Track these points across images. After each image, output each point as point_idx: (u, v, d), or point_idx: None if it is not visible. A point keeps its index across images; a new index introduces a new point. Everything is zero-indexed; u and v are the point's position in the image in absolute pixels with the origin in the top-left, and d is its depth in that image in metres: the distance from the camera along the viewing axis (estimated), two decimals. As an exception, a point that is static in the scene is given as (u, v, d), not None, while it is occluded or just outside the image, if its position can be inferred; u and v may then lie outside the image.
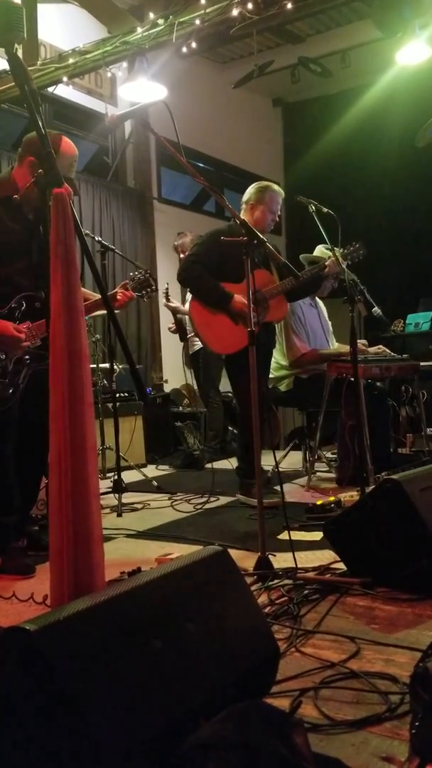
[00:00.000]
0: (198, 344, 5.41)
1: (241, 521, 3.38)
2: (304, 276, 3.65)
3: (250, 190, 3.82)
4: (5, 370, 2.59)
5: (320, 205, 3.47)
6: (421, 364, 4.46)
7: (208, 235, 3.83)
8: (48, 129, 2.60)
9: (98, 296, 2.89)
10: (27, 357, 2.63)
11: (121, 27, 4.78)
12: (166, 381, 7.01)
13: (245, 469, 3.78)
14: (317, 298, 4.67)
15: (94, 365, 4.90)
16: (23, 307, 2.64)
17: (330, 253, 3.76)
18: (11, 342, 2.55)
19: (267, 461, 3.86)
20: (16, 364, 2.60)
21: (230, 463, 4.33)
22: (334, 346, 4.62)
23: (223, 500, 3.88)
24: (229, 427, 5.83)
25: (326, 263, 3.76)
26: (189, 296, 5.54)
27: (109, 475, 4.60)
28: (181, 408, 6.11)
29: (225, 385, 6.20)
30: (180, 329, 5.52)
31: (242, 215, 3.82)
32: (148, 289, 3.17)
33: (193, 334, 5.30)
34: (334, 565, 2.35)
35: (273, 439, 5.15)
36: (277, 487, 2.57)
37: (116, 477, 3.89)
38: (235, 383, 3.87)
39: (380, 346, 4.44)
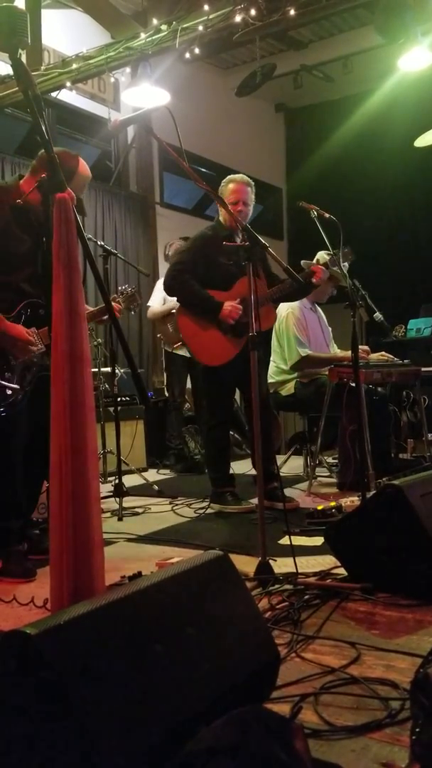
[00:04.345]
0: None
1: (242, 526, 3.38)
2: (291, 285, 3.55)
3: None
4: (13, 374, 2.61)
5: (322, 210, 3.47)
6: (423, 369, 4.46)
7: (192, 241, 3.79)
8: (64, 148, 2.71)
9: (91, 309, 2.97)
10: (34, 362, 2.65)
11: (124, 32, 4.81)
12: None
13: (218, 479, 3.81)
14: (316, 304, 4.68)
15: (96, 369, 4.90)
16: (28, 314, 2.67)
17: (340, 265, 3.69)
18: (23, 346, 2.59)
19: (241, 468, 3.90)
20: (23, 368, 2.63)
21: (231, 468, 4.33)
22: (335, 351, 4.63)
23: (224, 505, 3.88)
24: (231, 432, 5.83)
25: (314, 269, 3.70)
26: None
27: (110, 479, 4.60)
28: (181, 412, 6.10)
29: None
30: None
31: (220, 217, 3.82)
32: (134, 305, 3.36)
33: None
34: (334, 571, 2.35)
35: (273, 443, 5.15)
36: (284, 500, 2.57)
37: (117, 481, 3.89)
38: (208, 391, 3.87)
39: (383, 352, 4.44)
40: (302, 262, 4.30)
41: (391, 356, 4.43)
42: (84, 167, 2.70)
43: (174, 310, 5.44)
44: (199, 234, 3.80)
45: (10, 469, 2.65)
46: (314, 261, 4.31)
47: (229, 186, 3.69)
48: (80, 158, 2.70)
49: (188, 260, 3.69)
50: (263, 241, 2.49)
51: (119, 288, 3.37)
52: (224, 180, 3.75)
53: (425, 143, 5.81)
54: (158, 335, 5.93)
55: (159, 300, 5.58)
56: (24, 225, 2.66)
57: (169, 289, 3.76)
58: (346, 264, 3.72)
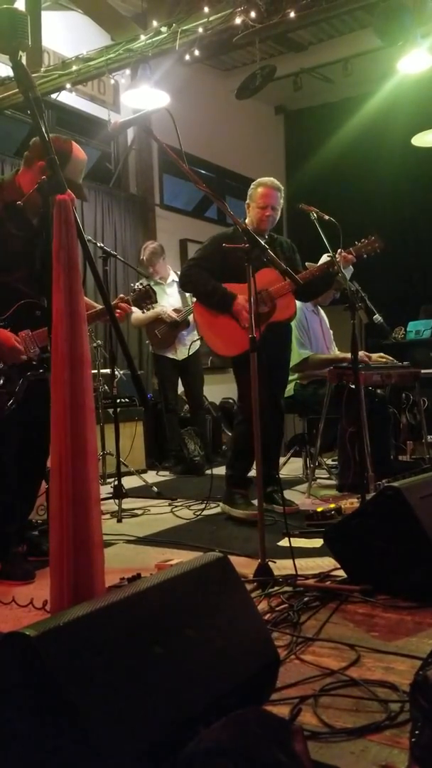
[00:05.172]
0: (187, 349, 5.42)
1: (242, 528, 3.38)
2: (313, 272, 3.56)
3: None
4: (4, 379, 2.56)
5: (322, 212, 3.46)
6: (422, 371, 4.46)
7: (210, 239, 3.77)
8: (55, 133, 2.62)
9: (99, 306, 2.87)
10: (25, 366, 2.58)
11: (124, 34, 4.81)
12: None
13: (233, 477, 3.71)
14: (319, 306, 4.68)
15: (96, 371, 4.90)
16: (24, 314, 2.61)
17: (340, 268, 3.60)
18: (11, 353, 2.52)
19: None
20: (14, 373, 2.56)
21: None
22: (335, 353, 4.63)
23: (224, 506, 3.87)
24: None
25: (337, 258, 3.58)
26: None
27: (109, 480, 4.60)
28: (182, 414, 6.11)
29: (211, 393, 6.23)
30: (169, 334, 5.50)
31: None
32: (148, 301, 3.18)
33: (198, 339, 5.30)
34: (334, 573, 2.35)
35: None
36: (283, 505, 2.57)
37: (116, 482, 3.89)
38: (242, 386, 3.75)
39: (381, 353, 4.44)
40: (306, 264, 4.30)
41: (390, 357, 4.42)
42: (78, 150, 2.62)
43: (162, 315, 5.47)
44: (218, 234, 3.80)
45: (2, 474, 2.62)
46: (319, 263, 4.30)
47: (258, 189, 3.66)
48: (73, 142, 2.62)
49: (202, 256, 3.69)
50: (263, 244, 2.49)
51: (132, 285, 3.25)
52: (254, 182, 3.72)
53: (423, 143, 5.82)
54: (147, 341, 5.92)
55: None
56: (18, 223, 2.61)
57: (182, 284, 3.81)
58: (350, 269, 3.71)
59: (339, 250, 3.55)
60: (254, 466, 2.92)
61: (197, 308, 3.73)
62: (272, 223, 3.67)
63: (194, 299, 3.80)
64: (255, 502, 3.62)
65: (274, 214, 3.65)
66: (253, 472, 4.06)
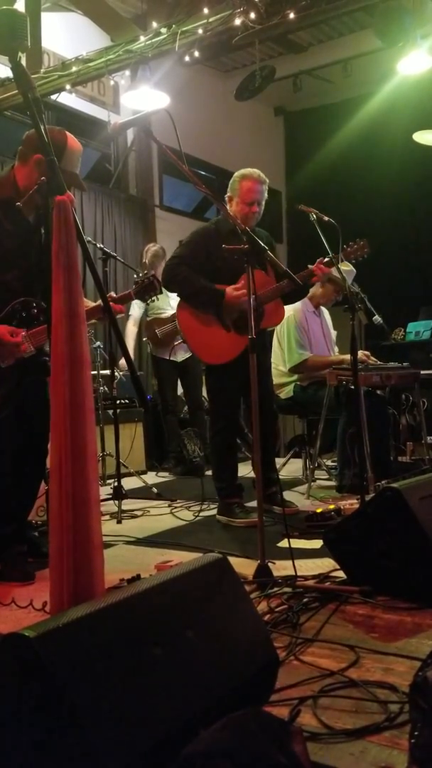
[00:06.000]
0: (186, 351, 5.41)
1: (241, 529, 3.38)
2: (305, 275, 3.44)
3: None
4: (2, 380, 2.54)
5: (321, 213, 3.46)
6: (422, 372, 4.47)
7: (193, 234, 3.56)
8: (49, 125, 2.59)
9: (93, 304, 2.79)
10: (24, 367, 2.56)
11: (124, 35, 4.82)
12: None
13: (224, 488, 3.57)
14: (322, 308, 4.68)
15: (95, 372, 4.90)
16: (20, 313, 2.59)
17: (339, 270, 3.49)
18: (6, 348, 2.49)
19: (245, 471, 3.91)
20: (10, 372, 2.54)
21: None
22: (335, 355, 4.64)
23: (223, 507, 3.87)
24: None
25: (313, 268, 3.49)
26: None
27: (109, 481, 4.60)
28: (181, 415, 6.11)
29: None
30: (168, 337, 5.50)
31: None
32: (152, 293, 2.98)
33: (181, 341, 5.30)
34: (333, 574, 2.35)
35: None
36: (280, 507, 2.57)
37: (116, 484, 3.89)
38: (212, 395, 3.65)
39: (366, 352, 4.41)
40: (308, 266, 4.29)
41: (373, 358, 4.40)
42: (72, 140, 2.56)
43: (162, 315, 5.46)
44: (200, 229, 3.60)
45: (1, 474, 2.62)
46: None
47: (242, 183, 3.42)
48: (67, 132, 2.56)
49: (186, 254, 3.47)
50: (262, 244, 2.49)
51: (134, 276, 3.03)
52: (237, 174, 3.47)
53: (423, 140, 5.82)
54: (144, 338, 5.92)
55: (137, 312, 5.55)
56: (15, 219, 2.58)
57: (166, 283, 3.52)
58: (353, 271, 3.71)
59: (318, 261, 3.51)
60: (252, 468, 2.94)
61: (182, 313, 3.49)
62: (257, 220, 3.49)
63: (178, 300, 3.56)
64: (253, 503, 3.63)
65: (259, 210, 3.47)
66: (251, 474, 4.07)
